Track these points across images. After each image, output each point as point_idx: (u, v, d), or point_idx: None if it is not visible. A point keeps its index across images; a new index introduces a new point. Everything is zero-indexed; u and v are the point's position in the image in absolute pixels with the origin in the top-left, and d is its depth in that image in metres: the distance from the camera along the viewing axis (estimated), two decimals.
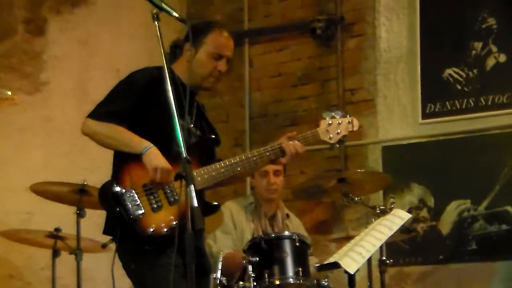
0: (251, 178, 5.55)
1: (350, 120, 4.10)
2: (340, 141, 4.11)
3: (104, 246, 5.21)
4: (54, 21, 6.50)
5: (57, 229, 5.30)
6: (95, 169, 5.86)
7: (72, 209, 5.19)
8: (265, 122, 7.09)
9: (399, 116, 6.55)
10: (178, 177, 3.24)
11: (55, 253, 5.33)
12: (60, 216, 5.45)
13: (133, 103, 3.79)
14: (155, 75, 3.78)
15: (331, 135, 4.08)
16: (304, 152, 4.00)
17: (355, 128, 4.13)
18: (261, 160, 3.96)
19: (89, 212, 5.18)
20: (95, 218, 5.13)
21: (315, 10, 6.96)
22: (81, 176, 5.25)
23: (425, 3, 6.47)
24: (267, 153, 3.94)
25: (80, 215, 5.16)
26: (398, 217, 4.56)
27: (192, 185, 3.15)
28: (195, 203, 3.11)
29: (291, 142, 3.95)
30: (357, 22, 6.81)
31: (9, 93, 4.92)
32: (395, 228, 4.51)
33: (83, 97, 6.31)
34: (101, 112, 3.78)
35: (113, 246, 4.92)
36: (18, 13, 6.32)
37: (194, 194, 3.14)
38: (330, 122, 4.08)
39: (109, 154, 3.85)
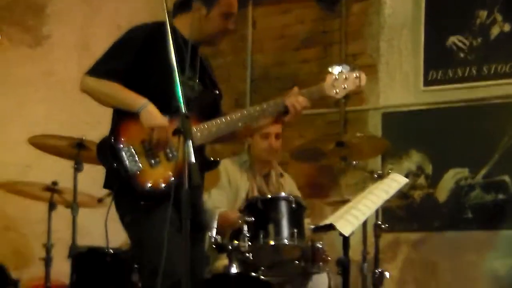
0: (249, 138, 5.52)
1: (357, 75, 3.96)
2: (345, 96, 3.99)
3: (100, 200, 5.27)
4: None
5: (54, 183, 5.33)
6: (96, 124, 5.85)
7: (70, 163, 5.19)
8: (266, 84, 7.08)
9: (401, 83, 6.54)
10: (177, 132, 3.24)
11: (51, 206, 5.36)
12: (58, 170, 5.47)
13: (131, 59, 3.78)
14: (154, 31, 3.76)
15: (337, 90, 3.94)
16: (307, 105, 3.91)
17: (363, 83, 3.97)
18: (264, 115, 3.93)
19: (86, 167, 5.19)
20: (93, 174, 5.13)
21: None
22: (82, 131, 5.25)
23: None
24: (269, 109, 3.90)
25: (77, 169, 5.17)
26: (395, 181, 4.54)
27: (190, 141, 3.14)
28: (193, 159, 3.11)
29: (294, 97, 3.89)
30: None
31: None
32: (392, 192, 4.49)
33: (84, 52, 6.29)
34: (99, 70, 3.78)
35: (109, 200, 5.00)
36: None
37: (192, 149, 3.13)
38: (337, 76, 3.94)
39: (110, 110, 3.85)
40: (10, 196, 5.58)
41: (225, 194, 5.38)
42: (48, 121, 5.94)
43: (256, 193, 5.35)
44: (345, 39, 6.79)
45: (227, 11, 3.90)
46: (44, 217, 5.44)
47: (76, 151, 5.16)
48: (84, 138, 5.13)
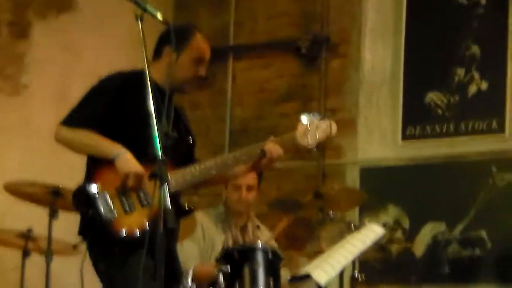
0: (224, 189, 5.52)
1: (328, 124, 3.97)
2: (318, 146, 3.99)
3: (75, 246, 5.25)
4: (38, 25, 6.51)
5: (29, 230, 5.30)
6: (72, 175, 5.76)
7: (45, 211, 5.18)
8: (245, 138, 7.09)
9: (379, 138, 6.61)
10: (153, 176, 3.24)
11: (25, 254, 5.33)
12: (33, 217, 5.44)
13: (105, 107, 3.80)
14: (128, 78, 3.80)
15: (309, 139, 3.94)
16: (282, 154, 3.92)
17: (334, 132, 3.97)
18: (237, 163, 3.94)
19: (62, 215, 5.18)
20: (68, 221, 5.12)
21: (301, 29, 7.04)
22: (58, 180, 5.24)
23: (410, 28, 6.57)
24: (243, 157, 3.92)
25: (53, 216, 5.16)
26: (372, 231, 4.60)
27: (166, 185, 3.15)
28: (168, 203, 3.11)
29: (271, 143, 3.91)
30: (342, 43, 6.89)
31: None
32: (369, 242, 4.55)
33: (63, 102, 6.19)
34: (73, 119, 3.80)
35: (84, 246, 4.96)
36: (2, 16, 6.33)
37: (167, 194, 3.14)
38: (308, 126, 3.96)
39: (86, 160, 3.87)
40: None
41: (198, 247, 5.35)
42: (24, 169, 5.94)
43: (231, 245, 5.32)
44: (324, 93, 6.88)
45: (198, 57, 3.93)
46: (18, 264, 5.41)
47: (51, 198, 5.14)
48: (60, 186, 5.12)
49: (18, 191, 5.22)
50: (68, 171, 6.00)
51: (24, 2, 6.46)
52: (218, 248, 5.25)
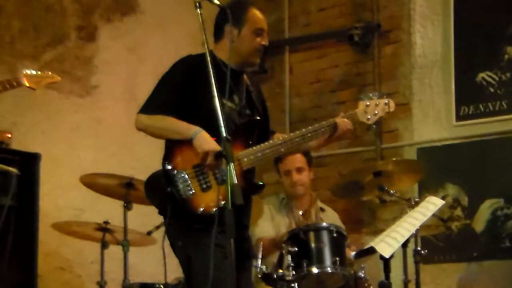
0: (280, 177, 5.70)
1: (387, 102, 4.18)
2: (377, 122, 4.18)
3: (149, 233, 5.43)
4: (104, 29, 6.71)
5: (106, 222, 5.48)
6: (143, 169, 5.93)
7: (120, 203, 5.36)
8: (304, 127, 7.22)
9: (434, 119, 6.68)
10: (219, 155, 3.44)
11: (104, 245, 5.49)
12: (108, 211, 5.62)
13: (177, 91, 3.94)
14: (195, 62, 3.93)
15: (369, 116, 4.15)
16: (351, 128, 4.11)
17: (392, 109, 4.19)
18: (305, 141, 4.09)
19: (135, 208, 5.35)
20: (141, 214, 5.36)
21: (352, 19, 7.16)
22: (129, 175, 5.40)
23: (458, 10, 6.62)
24: (309, 135, 4.08)
25: (127, 207, 5.33)
26: (432, 204, 4.66)
27: (232, 163, 3.27)
28: (235, 180, 3.22)
29: (340, 118, 4.08)
30: (393, 30, 6.98)
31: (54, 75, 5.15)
32: (429, 214, 4.60)
33: (131, 101, 6.47)
34: (149, 106, 3.95)
35: (158, 234, 5.17)
36: (71, 21, 6.52)
37: (233, 172, 3.25)
38: (368, 103, 4.17)
39: (156, 155, 4.03)
40: (65, 238, 5.74)
41: (271, 225, 5.55)
42: (97, 166, 6.03)
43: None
44: (378, 80, 6.97)
45: (257, 27, 4.04)
46: (97, 258, 5.59)
47: (125, 190, 5.32)
48: (133, 177, 5.31)
49: (93, 183, 5.40)
50: (139, 166, 6.30)
51: (91, 7, 6.64)
52: (283, 231, 5.39)
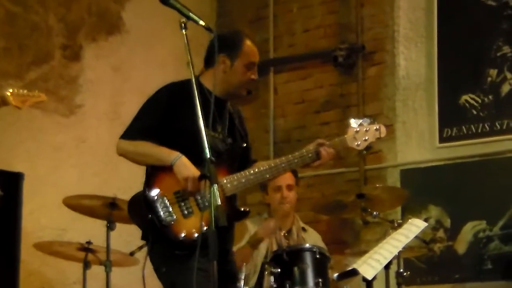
0: (265, 195, 5.69)
1: (377, 127, 4.12)
2: (367, 148, 4.13)
3: (132, 253, 5.42)
4: (89, 48, 6.72)
5: (88, 242, 5.45)
6: (126, 189, 5.95)
7: (103, 223, 5.35)
8: (288, 147, 7.24)
9: (417, 141, 6.70)
10: (202, 177, 3.43)
11: (86, 265, 5.47)
12: (91, 231, 5.61)
13: (160, 117, 3.95)
14: (179, 88, 3.95)
15: (358, 142, 4.09)
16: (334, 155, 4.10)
17: (383, 135, 4.14)
18: (290, 167, 4.07)
19: (118, 227, 5.35)
20: (124, 234, 5.35)
21: (337, 40, 7.17)
22: (112, 194, 5.41)
23: (442, 33, 6.65)
24: (295, 160, 4.03)
25: (110, 228, 5.32)
26: (415, 226, 4.69)
27: (216, 184, 3.29)
28: (219, 202, 3.24)
29: (325, 147, 4.03)
30: (377, 51, 7.01)
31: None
32: (412, 236, 4.63)
33: (115, 120, 6.50)
34: (130, 131, 3.98)
35: (140, 254, 5.16)
36: (56, 40, 6.53)
37: (217, 193, 3.27)
38: (358, 129, 4.11)
39: (140, 174, 4.03)
40: (47, 258, 5.73)
41: None
42: (81, 186, 6.06)
43: (275, 249, 5.48)
44: (362, 101, 6.99)
45: (250, 61, 4.07)
46: (79, 278, 5.57)
47: (108, 210, 5.32)
48: (116, 197, 5.30)
49: (76, 204, 5.39)
50: (123, 185, 6.27)
51: (76, 26, 6.66)
52: (263, 252, 5.42)
